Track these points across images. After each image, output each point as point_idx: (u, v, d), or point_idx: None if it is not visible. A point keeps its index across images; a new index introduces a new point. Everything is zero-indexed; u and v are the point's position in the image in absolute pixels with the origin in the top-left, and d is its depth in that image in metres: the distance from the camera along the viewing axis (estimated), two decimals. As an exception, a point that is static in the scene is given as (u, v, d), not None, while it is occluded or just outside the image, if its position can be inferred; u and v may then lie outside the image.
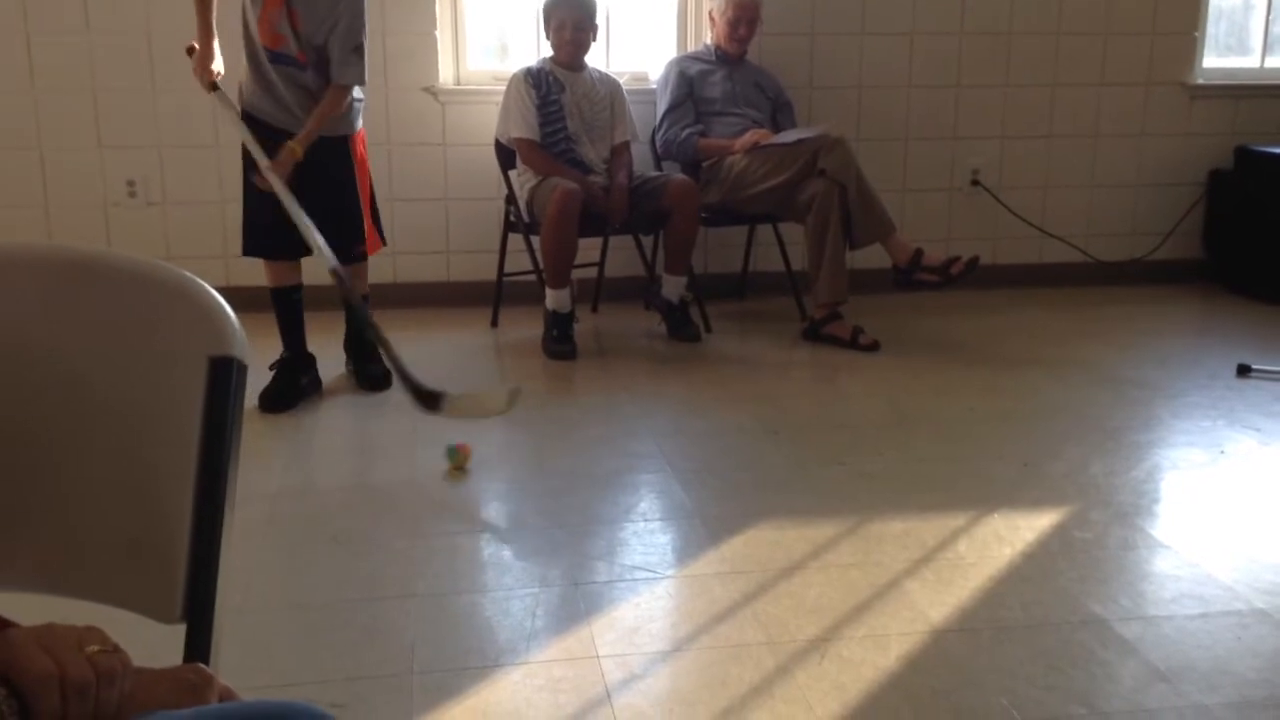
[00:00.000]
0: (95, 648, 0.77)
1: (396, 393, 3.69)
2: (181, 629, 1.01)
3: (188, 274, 1.01)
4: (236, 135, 3.47)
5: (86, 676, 0.75)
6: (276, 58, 3.43)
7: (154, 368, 1.00)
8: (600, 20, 4.31)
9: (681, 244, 4.24)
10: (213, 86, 3.44)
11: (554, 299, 4.10)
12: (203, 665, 0.87)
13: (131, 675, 0.78)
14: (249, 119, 3.46)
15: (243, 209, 3.56)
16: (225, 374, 0.98)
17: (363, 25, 3.45)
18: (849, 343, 4.20)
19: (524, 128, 4.19)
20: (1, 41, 4.30)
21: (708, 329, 4.41)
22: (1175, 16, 5.08)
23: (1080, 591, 2.37)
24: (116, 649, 0.79)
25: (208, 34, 3.40)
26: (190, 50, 3.46)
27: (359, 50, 3.44)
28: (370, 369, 3.72)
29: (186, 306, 0.99)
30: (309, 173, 3.40)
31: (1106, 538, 2.64)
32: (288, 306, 3.60)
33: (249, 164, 3.42)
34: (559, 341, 4.08)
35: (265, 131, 3.42)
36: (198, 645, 0.96)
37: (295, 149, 3.35)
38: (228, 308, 1.01)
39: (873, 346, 4.17)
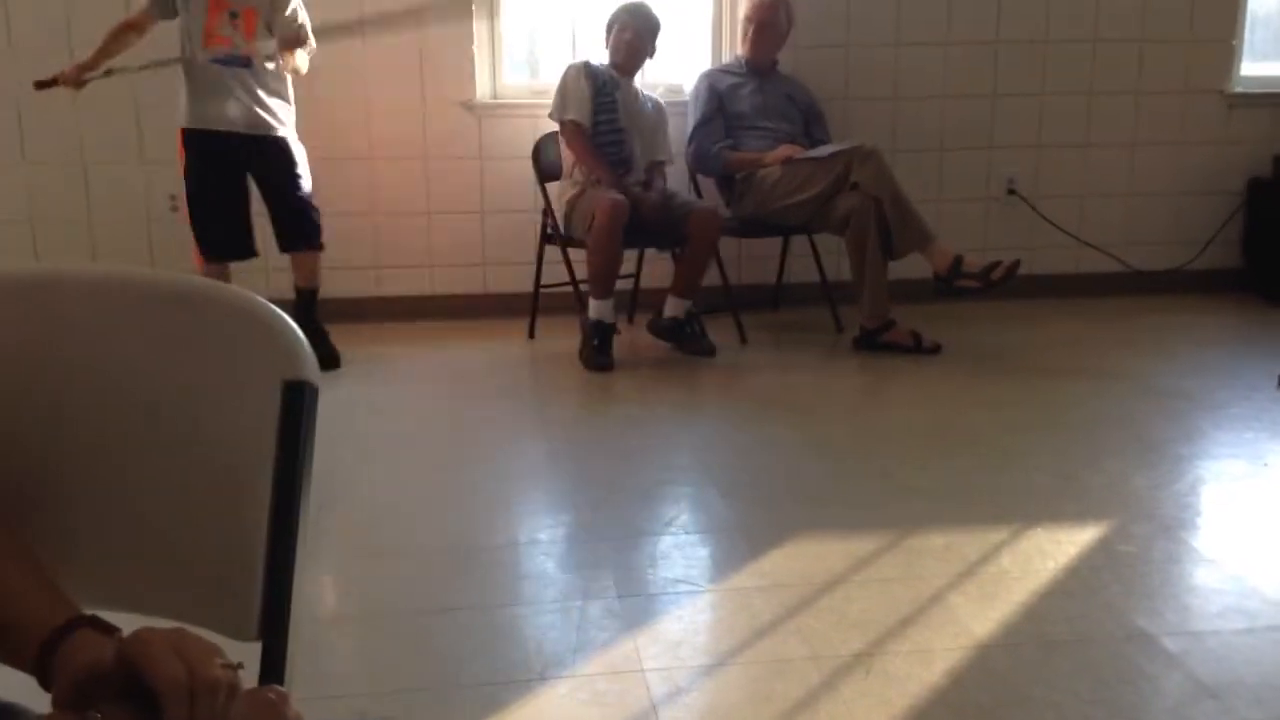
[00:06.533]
0: (221, 661, 0.80)
1: (413, 398, 3.73)
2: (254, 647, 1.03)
3: (260, 298, 1.03)
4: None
5: (218, 684, 0.78)
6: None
7: (229, 391, 1.02)
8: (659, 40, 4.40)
9: (693, 270, 4.25)
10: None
11: (598, 309, 4.11)
12: (279, 686, 0.89)
13: (241, 698, 0.81)
14: None
15: (194, 218, 3.95)
16: (298, 397, 1.01)
17: None
18: (913, 348, 4.20)
19: (578, 111, 4.24)
20: (44, 57, 4.36)
21: (743, 340, 4.42)
22: (1212, 24, 5.05)
23: (1125, 606, 2.36)
24: (239, 666, 0.82)
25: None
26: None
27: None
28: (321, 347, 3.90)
29: (260, 331, 1.01)
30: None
31: (1150, 551, 2.62)
32: None
33: (192, 180, 3.91)
34: (600, 353, 4.09)
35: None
36: (273, 664, 0.98)
37: None
38: (300, 332, 1.03)
39: (936, 349, 4.18)
